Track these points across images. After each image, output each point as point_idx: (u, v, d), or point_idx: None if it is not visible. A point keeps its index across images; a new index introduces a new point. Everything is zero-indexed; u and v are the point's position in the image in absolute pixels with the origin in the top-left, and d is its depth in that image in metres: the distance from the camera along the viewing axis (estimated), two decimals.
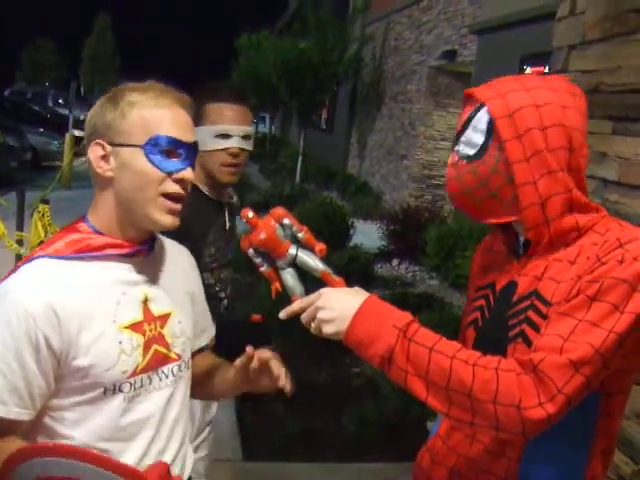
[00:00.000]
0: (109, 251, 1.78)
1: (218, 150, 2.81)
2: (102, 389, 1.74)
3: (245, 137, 2.86)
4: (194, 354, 2.10)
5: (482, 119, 1.71)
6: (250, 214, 1.91)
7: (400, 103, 18.28)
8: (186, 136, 1.81)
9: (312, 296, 1.75)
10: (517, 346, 1.66)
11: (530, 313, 1.66)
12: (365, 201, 17.50)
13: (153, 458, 1.86)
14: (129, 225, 1.81)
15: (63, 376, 1.72)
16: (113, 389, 1.76)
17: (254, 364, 1.90)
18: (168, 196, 1.77)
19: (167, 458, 1.90)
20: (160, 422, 1.87)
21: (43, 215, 7.05)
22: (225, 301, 3.00)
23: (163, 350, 1.87)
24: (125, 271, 1.82)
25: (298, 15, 25.48)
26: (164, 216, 1.78)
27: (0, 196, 7.73)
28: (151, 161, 1.74)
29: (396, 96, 18.72)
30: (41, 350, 1.66)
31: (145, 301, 1.84)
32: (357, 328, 1.64)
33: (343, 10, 23.32)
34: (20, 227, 7.55)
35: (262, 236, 1.88)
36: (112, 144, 1.75)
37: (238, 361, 1.92)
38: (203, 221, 2.83)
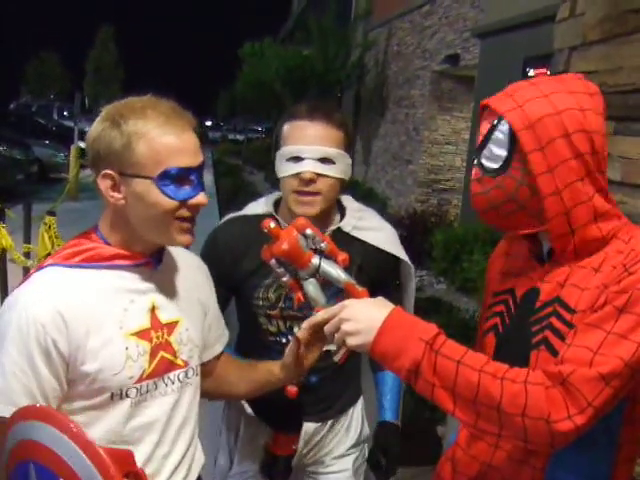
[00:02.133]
0: (118, 261, 1.82)
1: (289, 176, 2.39)
2: (109, 394, 1.78)
3: (322, 160, 2.37)
4: (212, 361, 2.16)
5: (503, 132, 1.68)
6: (272, 224, 1.91)
7: (404, 108, 18.28)
8: (196, 160, 1.81)
9: (335, 307, 1.76)
10: (540, 353, 1.65)
11: (553, 320, 1.64)
12: (371, 207, 17.45)
13: (158, 462, 1.90)
14: (141, 241, 1.84)
15: (72, 381, 1.76)
16: (120, 394, 1.79)
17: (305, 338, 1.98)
18: (183, 219, 1.80)
19: (172, 462, 1.94)
20: (165, 427, 1.91)
21: (50, 227, 7.07)
22: None
23: (169, 357, 1.90)
24: (134, 280, 1.85)
25: (300, 22, 25.56)
26: (180, 236, 1.82)
27: (7, 209, 7.75)
28: (164, 192, 1.75)
29: (400, 101, 18.73)
30: (51, 354, 1.70)
31: (153, 309, 1.87)
32: (383, 341, 1.64)
33: (345, 17, 23.37)
34: (27, 239, 7.57)
35: (284, 246, 1.88)
36: (121, 174, 1.75)
37: (288, 351, 2.02)
38: (259, 258, 2.34)
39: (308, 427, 2.60)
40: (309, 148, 2.36)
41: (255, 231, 2.49)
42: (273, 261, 1.94)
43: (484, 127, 1.76)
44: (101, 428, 1.79)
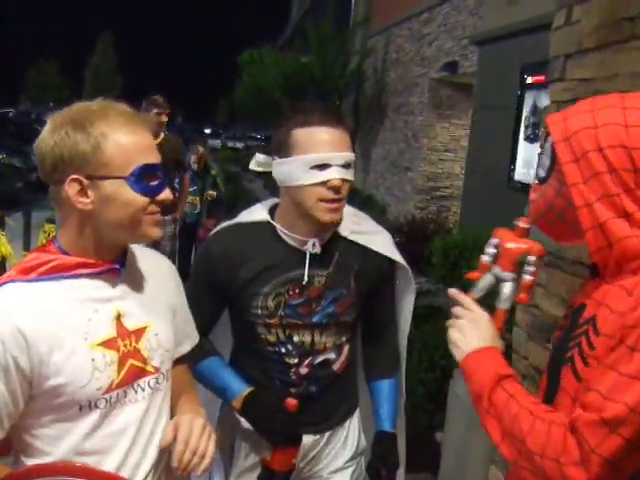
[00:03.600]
0: (80, 270, 1.79)
1: (315, 184, 2.34)
2: (78, 406, 1.77)
3: (345, 166, 2.38)
4: (175, 362, 2.10)
5: (549, 142, 1.70)
6: (525, 225, 1.93)
7: (403, 115, 18.30)
8: (157, 157, 1.83)
9: (473, 306, 1.86)
10: (567, 370, 1.64)
11: (583, 339, 1.61)
12: (370, 214, 17.38)
13: (130, 469, 1.87)
14: (107, 246, 1.83)
15: (37, 396, 1.74)
16: (89, 405, 1.78)
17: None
18: (152, 213, 1.81)
19: (144, 469, 1.91)
20: (136, 434, 1.88)
21: (49, 235, 7.08)
22: (302, 369, 2.58)
23: (139, 364, 1.87)
24: (96, 289, 1.82)
25: (299, 30, 25.59)
26: (152, 230, 1.83)
27: (6, 217, 7.76)
28: (136, 190, 1.75)
29: (398, 108, 18.75)
30: (10, 371, 1.69)
31: (118, 317, 1.84)
32: (471, 361, 1.75)
33: (344, 24, 23.42)
34: (27, 247, 7.60)
35: (509, 245, 1.91)
36: (90, 177, 1.73)
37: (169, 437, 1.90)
38: (256, 265, 2.48)
39: (306, 440, 2.58)
40: (336, 155, 2.35)
41: (252, 239, 2.51)
42: (496, 240, 1.96)
43: (542, 138, 1.79)
44: (71, 440, 1.78)
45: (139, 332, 1.89)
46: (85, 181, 1.72)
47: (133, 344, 1.86)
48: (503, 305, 1.91)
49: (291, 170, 2.37)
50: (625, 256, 1.58)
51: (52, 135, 1.74)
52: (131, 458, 1.87)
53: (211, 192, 10.43)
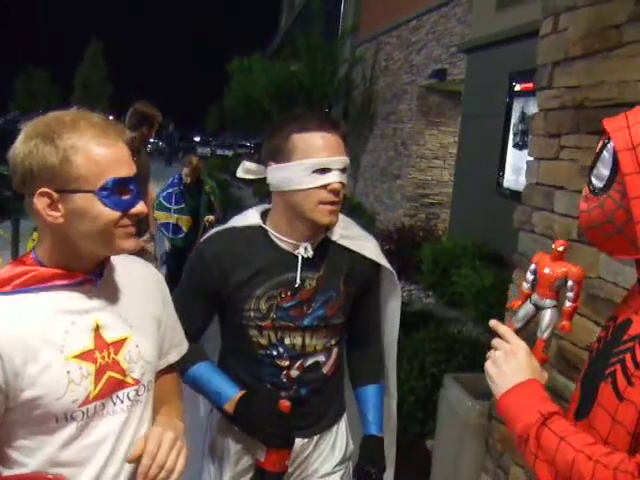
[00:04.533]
0: (57, 282, 1.76)
1: (315, 188, 2.39)
2: (54, 418, 1.74)
3: (343, 170, 2.45)
4: (162, 371, 2.08)
5: (609, 151, 1.58)
6: (561, 248, 1.88)
7: (392, 123, 18.32)
8: (132, 170, 1.78)
9: (512, 337, 1.78)
10: (606, 386, 1.55)
11: (627, 357, 1.52)
12: (359, 222, 17.37)
13: None
14: (83, 258, 1.79)
15: (14, 408, 1.72)
16: (65, 418, 1.75)
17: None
18: (124, 226, 1.77)
19: None
20: (114, 446, 1.84)
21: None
22: (293, 372, 2.61)
23: (118, 376, 1.84)
24: (74, 300, 1.79)
25: (288, 38, 25.62)
26: (125, 242, 1.79)
27: None
28: (106, 205, 1.71)
29: (387, 116, 18.77)
30: None
31: (97, 329, 1.81)
32: (508, 401, 1.67)
33: (333, 32, 23.46)
34: (15, 256, 7.56)
35: (546, 270, 1.87)
36: (59, 191, 1.69)
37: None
38: (249, 268, 2.52)
39: (295, 443, 2.57)
40: (336, 159, 2.41)
41: (244, 242, 2.53)
42: (533, 266, 1.93)
43: (599, 144, 1.67)
44: (47, 451, 1.76)
45: (118, 344, 1.85)
46: (55, 195, 1.69)
47: (112, 356, 1.83)
48: (543, 334, 1.86)
49: (291, 175, 2.41)
50: None
51: (22, 146, 1.71)
52: (109, 470, 1.84)
53: (210, 217, 8.67)
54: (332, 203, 2.43)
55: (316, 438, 2.72)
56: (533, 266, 1.91)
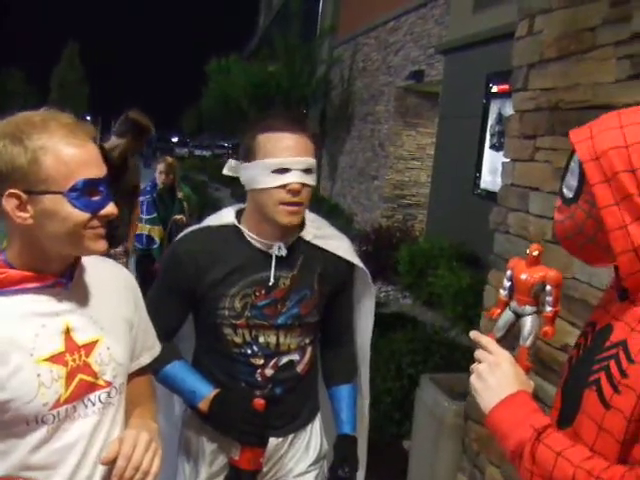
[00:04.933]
0: (26, 285, 1.75)
1: (275, 187, 2.41)
2: (24, 422, 1.72)
3: (306, 171, 2.45)
4: (134, 373, 2.07)
5: (575, 162, 1.60)
6: (536, 252, 1.86)
7: (369, 124, 18.36)
8: (102, 171, 1.76)
9: (494, 348, 1.73)
10: (590, 393, 1.53)
11: (612, 363, 1.50)
12: (337, 223, 17.41)
13: None
14: (52, 259, 1.78)
15: None
16: (36, 421, 1.73)
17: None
18: (94, 228, 1.76)
19: None
20: (86, 449, 1.83)
21: None
22: (267, 371, 2.63)
23: (89, 379, 1.83)
24: (44, 303, 1.78)
25: (267, 39, 25.59)
26: (95, 244, 1.77)
27: None
28: (76, 206, 1.70)
29: (365, 117, 18.80)
30: None
31: (67, 331, 1.80)
32: (498, 415, 1.63)
33: (311, 33, 23.45)
34: None
35: (522, 275, 1.85)
36: (28, 192, 1.67)
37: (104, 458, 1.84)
38: (225, 267, 2.53)
39: (270, 442, 2.59)
40: (296, 160, 2.42)
41: (219, 241, 2.55)
42: (509, 272, 1.92)
43: (569, 156, 1.69)
44: (19, 454, 1.74)
45: (89, 346, 1.84)
46: (24, 196, 1.67)
47: (83, 358, 1.82)
48: (525, 342, 1.83)
49: (255, 174, 2.45)
50: None
51: None
52: (81, 473, 1.83)
53: (180, 216, 7.97)
54: (292, 204, 2.43)
55: (290, 437, 2.73)
56: (509, 272, 1.89)
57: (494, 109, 10.56)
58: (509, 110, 4.10)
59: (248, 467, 2.46)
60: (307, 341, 2.69)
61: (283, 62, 21.58)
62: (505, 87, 9.37)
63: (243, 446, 2.45)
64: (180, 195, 8.24)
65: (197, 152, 56.76)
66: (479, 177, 10.86)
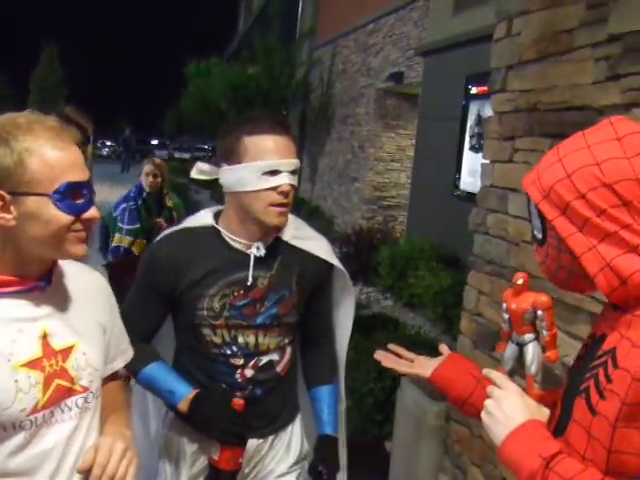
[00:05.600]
0: (3, 289, 1.74)
1: (266, 189, 2.44)
2: (1, 428, 1.71)
3: (293, 172, 2.50)
4: (107, 378, 2.05)
5: (532, 205, 1.66)
6: (520, 281, 1.87)
7: (349, 126, 18.37)
8: (85, 175, 1.77)
9: (503, 381, 1.74)
10: (580, 401, 1.55)
11: (600, 371, 1.52)
12: (318, 225, 17.36)
13: None
14: (31, 262, 1.77)
15: None
16: (13, 427, 1.72)
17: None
18: (76, 231, 1.76)
19: None
20: (63, 454, 1.82)
21: None
22: (247, 371, 2.64)
23: (66, 384, 1.82)
24: (21, 308, 1.77)
25: (246, 41, 25.55)
26: (76, 247, 1.77)
27: None
28: (60, 208, 1.70)
29: (345, 119, 18.81)
30: None
31: (44, 336, 1.79)
32: (509, 448, 1.62)
33: (290, 35, 23.44)
34: None
35: (512, 306, 1.86)
36: (12, 193, 1.67)
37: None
38: (203, 268, 2.54)
39: (250, 444, 2.62)
40: (286, 162, 2.46)
41: (197, 243, 2.57)
42: (504, 305, 1.92)
43: (527, 202, 1.74)
44: None
45: (66, 351, 1.83)
46: (7, 196, 1.66)
47: (60, 364, 1.81)
48: (530, 370, 1.84)
49: (242, 176, 2.45)
50: None
51: None
52: (58, 479, 1.82)
53: (160, 219, 6.75)
54: (282, 205, 2.47)
55: (271, 438, 2.74)
56: (504, 305, 1.91)
57: (473, 110, 10.59)
58: (488, 112, 4.13)
59: (228, 467, 2.47)
60: (286, 341, 2.71)
61: (263, 64, 21.55)
62: (484, 89, 9.39)
63: (222, 446, 2.46)
64: (169, 203, 7.03)
65: (177, 154, 56.45)
66: (459, 178, 10.89)
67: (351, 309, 2.92)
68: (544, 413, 1.71)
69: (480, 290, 3.92)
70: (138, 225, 6.61)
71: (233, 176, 2.47)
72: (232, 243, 2.56)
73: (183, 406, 2.50)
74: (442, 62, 11.76)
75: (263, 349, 2.64)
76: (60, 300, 1.87)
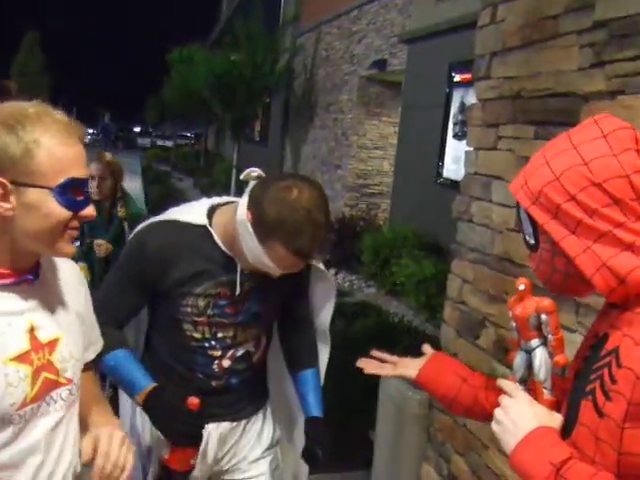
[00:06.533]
0: None
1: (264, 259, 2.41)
2: None
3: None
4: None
5: (522, 210, 1.65)
6: (522, 287, 1.84)
7: (332, 113, 18.35)
8: (87, 172, 1.78)
9: (513, 390, 1.74)
10: (587, 403, 1.54)
11: (605, 372, 1.50)
12: None
13: None
14: (19, 256, 1.75)
15: None
16: (2, 422, 1.71)
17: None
18: (72, 228, 1.75)
19: None
20: (48, 446, 1.82)
21: None
22: (224, 362, 2.65)
23: (52, 377, 1.81)
24: (9, 300, 1.74)
25: (229, 27, 25.45)
26: (67, 246, 1.76)
27: None
28: (61, 203, 1.68)
29: (328, 106, 18.79)
30: None
31: (31, 330, 1.77)
32: (519, 456, 1.60)
33: (273, 21, 23.36)
34: None
35: (517, 312, 1.83)
36: (15, 182, 1.64)
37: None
38: (192, 266, 2.52)
39: (224, 426, 2.70)
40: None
41: (187, 240, 2.52)
42: (510, 313, 1.90)
43: (516, 207, 1.72)
44: None
45: (52, 344, 1.81)
46: (9, 185, 1.64)
47: (46, 357, 1.79)
48: (538, 377, 1.79)
49: (255, 245, 2.34)
50: (639, 285, 1.51)
51: None
52: (43, 472, 1.81)
53: (101, 241, 5.22)
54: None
55: (244, 422, 2.78)
56: (510, 313, 1.89)
57: (457, 98, 10.61)
58: (472, 99, 4.11)
59: (177, 468, 2.40)
60: (263, 334, 2.74)
61: (245, 51, 21.46)
62: (467, 76, 9.41)
63: (173, 446, 2.41)
64: (121, 213, 5.47)
65: (160, 142, 56.42)
66: (442, 166, 10.91)
67: (330, 297, 2.95)
68: (556, 419, 1.68)
69: (464, 278, 3.90)
70: (77, 245, 4.62)
71: (251, 237, 2.34)
72: (222, 247, 2.53)
73: (139, 399, 2.46)
74: (425, 49, 11.76)
75: (240, 341, 2.65)
76: (44, 293, 1.85)
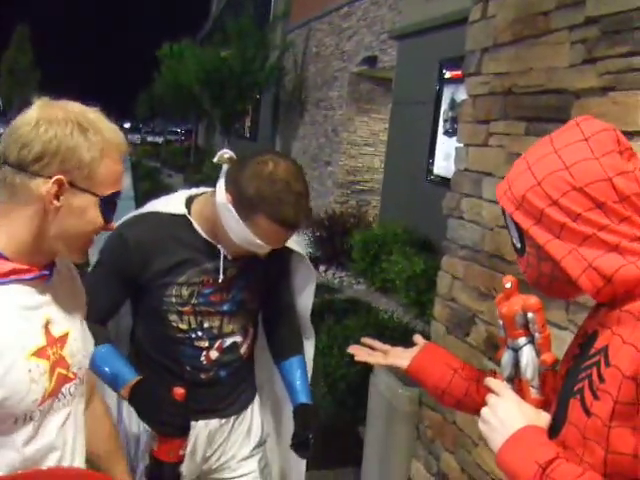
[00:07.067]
0: (13, 277, 1.70)
1: (250, 240, 2.44)
2: (13, 419, 1.69)
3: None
4: None
5: (507, 215, 1.65)
6: (509, 284, 1.84)
7: (322, 110, 18.35)
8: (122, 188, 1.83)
9: (500, 389, 1.73)
10: (575, 402, 1.54)
11: (594, 370, 1.51)
12: None
13: None
14: (43, 253, 1.75)
15: None
16: (24, 418, 1.71)
17: None
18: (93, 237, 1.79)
19: None
20: (63, 441, 1.83)
21: None
22: (212, 353, 2.65)
23: (64, 371, 1.81)
24: (28, 295, 1.74)
25: (220, 23, 25.44)
26: (84, 255, 1.80)
27: None
28: (102, 213, 1.73)
29: (318, 103, 18.79)
30: None
31: (46, 325, 1.78)
32: (505, 456, 1.60)
33: (264, 18, 23.36)
34: None
35: (503, 310, 1.83)
36: (72, 184, 1.66)
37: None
38: (173, 257, 2.52)
39: (213, 424, 2.70)
40: (277, 245, 2.48)
41: (167, 231, 2.52)
42: (497, 311, 1.89)
43: (502, 213, 1.73)
44: (6, 455, 1.70)
45: (63, 338, 1.82)
46: (66, 185, 1.65)
47: (59, 352, 1.80)
48: (525, 375, 1.79)
49: (238, 225, 2.37)
50: (628, 284, 1.50)
51: (52, 125, 1.63)
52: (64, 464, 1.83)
53: None
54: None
55: (233, 419, 2.77)
56: (497, 311, 1.89)
57: (447, 95, 10.61)
58: (462, 96, 4.10)
59: (167, 459, 2.38)
60: (249, 324, 2.74)
61: (236, 47, 21.46)
62: (458, 73, 9.40)
63: (160, 437, 2.38)
64: None
65: (150, 138, 56.43)
66: (432, 163, 10.91)
67: (310, 286, 2.96)
68: (544, 418, 1.67)
69: (454, 275, 3.90)
70: None
71: (233, 217, 2.37)
72: (203, 234, 2.54)
73: (124, 392, 2.44)
74: (416, 46, 11.75)
75: (227, 331, 2.65)
76: (59, 288, 1.86)
